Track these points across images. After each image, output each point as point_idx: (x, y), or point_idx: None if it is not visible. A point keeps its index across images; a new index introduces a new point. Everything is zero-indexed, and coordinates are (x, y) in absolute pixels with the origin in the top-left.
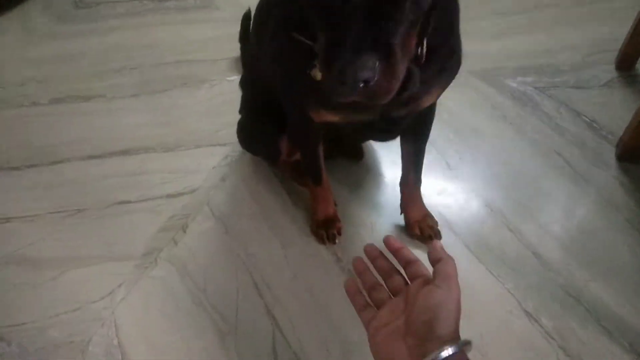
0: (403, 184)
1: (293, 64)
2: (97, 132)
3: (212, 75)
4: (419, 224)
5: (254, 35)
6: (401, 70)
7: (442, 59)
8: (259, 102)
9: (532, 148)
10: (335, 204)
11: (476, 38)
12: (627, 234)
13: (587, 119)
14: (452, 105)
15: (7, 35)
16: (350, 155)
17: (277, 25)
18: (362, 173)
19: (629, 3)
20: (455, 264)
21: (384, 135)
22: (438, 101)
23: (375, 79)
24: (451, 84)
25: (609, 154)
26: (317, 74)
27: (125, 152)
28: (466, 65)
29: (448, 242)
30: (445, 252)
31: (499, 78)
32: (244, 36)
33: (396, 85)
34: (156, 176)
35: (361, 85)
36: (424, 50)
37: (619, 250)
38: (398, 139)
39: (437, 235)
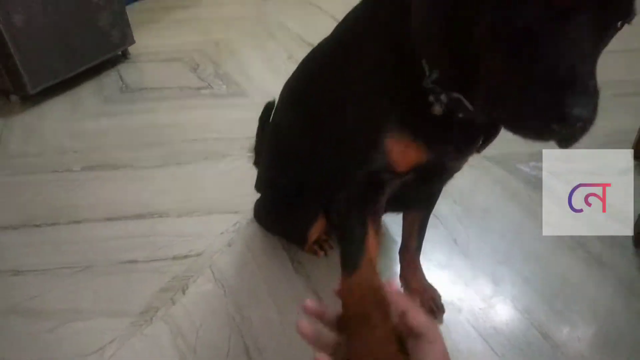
0: (403, 251)
1: (392, 101)
2: (119, 197)
3: (234, 151)
4: (420, 296)
5: (309, 89)
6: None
7: None
8: (289, 183)
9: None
10: None
11: None
12: None
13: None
14: (462, 184)
15: (58, 112)
16: None
17: (377, 60)
18: None
19: None
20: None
21: (423, 194)
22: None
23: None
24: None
25: (626, 239)
26: (438, 109)
27: (140, 216)
28: None
29: (451, 318)
30: (407, 301)
31: (512, 162)
32: (265, 119)
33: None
34: (165, 239)
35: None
36: None
37: (636, 336)
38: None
39: (440, 308)
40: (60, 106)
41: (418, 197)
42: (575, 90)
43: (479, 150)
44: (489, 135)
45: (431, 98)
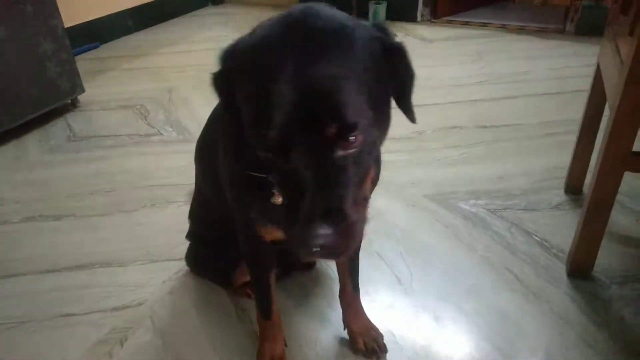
0: (342, 294)
1: (245, 189)
2: (59, 248)
3: (179, 197)
4: (363, 338)
5: (206, 155)
6: (358, 228)
7: None
8: (212, 233)
9: (483, 265)
10: (285, 344)
11: (431, 166)
12: (581, 351)
13: (537, 238)
14: (404, 224)
15: (1, 162)
16: (302, 266)
17: (227, 156)
18: (310, 285)
19: (574, 137)
20: None
21: None
22: (390, 220)
23: (332, 241)
24: (404, 205)
25: (560, 271)
26: (278, 199)
27: (80, 267)
28: (420, 189)
29: (394, 357)
30: None
31: (452, 201)
32: None
33: (354, 244)
34: (106, 289)
35: (319, 248)
36: None
37: None
38: None
39: (382, 348)
40: (3, 156)
41: None
42: (305, 228)
43: None
44: None
45: (273, 189)
